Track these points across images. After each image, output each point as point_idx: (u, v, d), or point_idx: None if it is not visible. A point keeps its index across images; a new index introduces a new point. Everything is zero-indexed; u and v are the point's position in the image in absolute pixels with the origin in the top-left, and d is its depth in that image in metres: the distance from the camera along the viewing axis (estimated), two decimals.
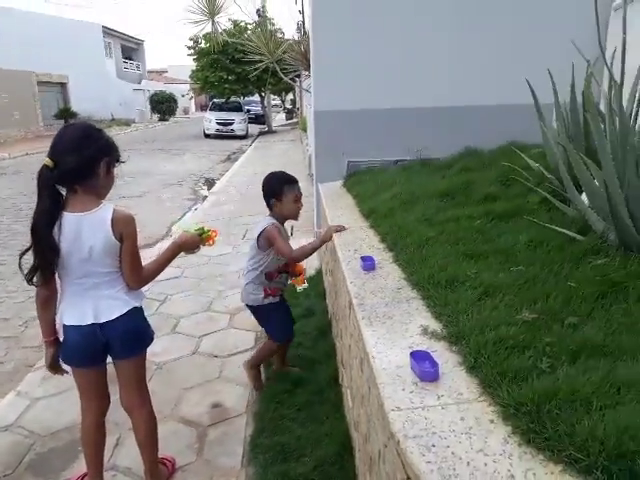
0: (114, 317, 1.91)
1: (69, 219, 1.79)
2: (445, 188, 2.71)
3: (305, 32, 14.39)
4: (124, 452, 2.50)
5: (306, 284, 2.94)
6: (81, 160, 1.76)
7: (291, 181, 2.72)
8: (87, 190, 1.81)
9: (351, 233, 2.60)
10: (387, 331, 1.53)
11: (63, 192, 1.83)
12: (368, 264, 2.04)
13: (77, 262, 1.84)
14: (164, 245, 6.10)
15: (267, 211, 2.79)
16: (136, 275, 1.92)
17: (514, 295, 1.59)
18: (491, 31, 4.50)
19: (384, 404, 1.21)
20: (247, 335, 3.73)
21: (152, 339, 2.12)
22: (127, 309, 1.93)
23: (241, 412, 2.81)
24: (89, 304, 1.91)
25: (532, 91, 2.58)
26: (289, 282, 2.92)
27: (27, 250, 1.82)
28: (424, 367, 1.29)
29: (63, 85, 25.97)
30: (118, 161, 1.92)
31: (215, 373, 3.22)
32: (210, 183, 11.38)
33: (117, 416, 2.77)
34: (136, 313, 1.98)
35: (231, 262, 5.42)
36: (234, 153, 17.59)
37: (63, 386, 3.10)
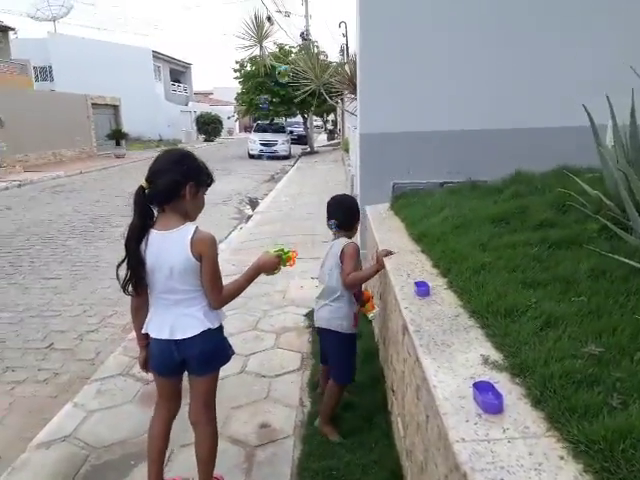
0: (188, 336, 1.98)
1: (154, 236, 1.92)
2: (498, 213, 2.67)
3: (348, 55, 14.57)
4: (175, 468, 2.55)
5: (377, 309, 2.81)
6: (168, 183, 1.89)
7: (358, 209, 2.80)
8: (174, 210, 1.93)
9: (402, 257, 2.60)
10: (447, 360, 1.52)
11: (155, 211, 1.97)
12: (422, 290, 2.03)
13: (161, 278, 1.96)
14: None
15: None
16: (215, 295, 1.97)
17: (578, 326, 1.56)
18: (539, 50, 4.46)
19: (448, 435, 1.20)
20: (293, 356, 3.75)
21: (229, 358, 2.17)
22: (202, 329, 1.98)
23: (289, 434, 2.82)
24: (168, 320, 2.01)
25: (589, 114, 2.54)
26: (358, 310, 2.74)
27: (122, 262, 1.97)
28: (488, 398, 1.28)
29: (115, 107, 27.17)
30: (208, 186, 2.03)
31: (263, 393, 3.25)
32: (254, 203, 11.60)
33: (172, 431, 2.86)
34: (212, 334, 2.01)
35: (277, 282, 5.47)
36: (277, 173, 17.89)
37: (118, 400, 3.21)
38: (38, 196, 12.41)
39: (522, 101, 4.55)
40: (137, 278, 1.96)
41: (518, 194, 3.04)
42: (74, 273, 6.19)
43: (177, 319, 1.99)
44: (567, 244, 2.21)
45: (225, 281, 2.04)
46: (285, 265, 2.14)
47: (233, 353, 2.20)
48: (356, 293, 2.70)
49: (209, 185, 2.05)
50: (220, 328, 2.08)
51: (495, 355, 1.52)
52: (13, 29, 27.26)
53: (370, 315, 2.78)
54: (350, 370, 2.74)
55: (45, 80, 33.02)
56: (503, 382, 1.38)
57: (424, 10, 4.62)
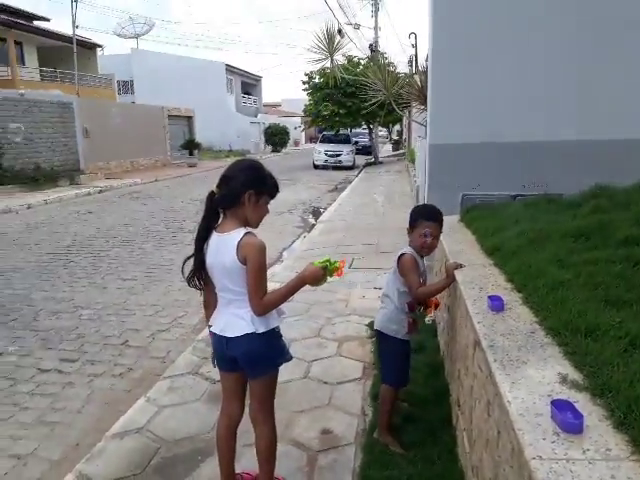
0: (234, 335, 2.07)
1: (214, 237, 2.07)
2: (578, 228, 2.55)
3: (417, 66, 14.49)
4: (240, 466, 2.60)
5: (433, 315, 2.81)
6: (230, 190, 2.02)
7: (425, 216, 2.71)
8: (234, 215, 2.05)
9: (474, 270, 2.54)
10: (522, 376, 1.48)
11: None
12: (496, 304, 1.98)
13: (218, 276, 2.08)
14: (279, 269, 6.40)
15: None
16: (256, 301, 2.00)
17: None
18: (629, 60, 4.23)
19: (524, 452, 1.17)
20: (355, 364, 3.75)
21: (276, 365, 2.20)
22: (248, 331, 2.04)
23: (350, 441, 2.82)
24: (223, 317, 2.13)
25: None
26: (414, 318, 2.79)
27: (189, 258, 2.16)
28: (567, 418, 1.23)
29: (189, 118, 28.46)
30: (271, 196, 2.10)
31: (325, 399, 3.27)
32: (318, 212, 11.74)
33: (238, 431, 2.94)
34: (258, 338, 2.05)
35: (338, 290, 5.52)
36: (341, 183, 18.01)
37: (187, 397, 3.35)
38: (117, 201, 13.21)
39: (601, 111, 4.33)
40: (198, 274, 2.13)
41: (599, 209, 2.89)
42: (148, 275, 6.52)
43: (229, 317, 2.10)
44: None
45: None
46: (332, 275, 2.11)
47: (286, 361, 2.21)
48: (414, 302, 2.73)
49: (272, 196, 2.11)
50: (269, 333, 2.08)
51: (574, 374, 1.46)
52: (100, 46, 29.40)
53: (427, 319, 2.77)
54: (399, 373, 2.78)
55: (127, 93, 35.24)
56: (583, 402, 1.32)
57: (499, 16, 4.52)
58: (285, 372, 3.57)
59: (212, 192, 2.06)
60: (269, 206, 2.14)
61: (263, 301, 2.00)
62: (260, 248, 1.98)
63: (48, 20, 27.23)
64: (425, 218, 2.70)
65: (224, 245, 2.01)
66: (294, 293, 2.10)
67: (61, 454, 2.94)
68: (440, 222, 2.72)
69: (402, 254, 2.65)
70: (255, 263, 1.96)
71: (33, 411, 3.37)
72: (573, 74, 4.37)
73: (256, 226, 2.10)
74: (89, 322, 4.90)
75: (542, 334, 1.74)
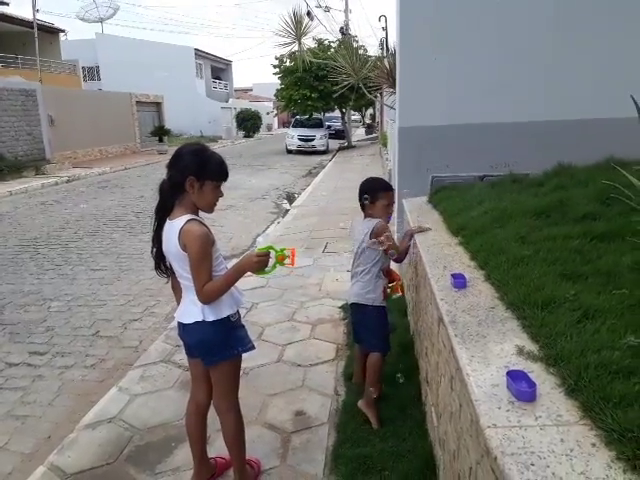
0: (187, 322, 2.08)
1: (166, 225, 2.06)
2: (539, 206, 2.62)
3: (388, 49, 14.47)
4: (213, 451, 2.63)
5: (400, 294, 2.97)
6: (173, 177, 2.01)
7: (387, 188, 2.88)
8: (181, 202, 2.03)
9: (440, 249, 2.59)
10: (481, 350, 1.53)
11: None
12: (459, 282, 2.02)
13: (172, 263, 2.10)
14: None
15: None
16: (197, 288, 1.96)
17: (617, 319, 1.53)
18: (590, 41, 4.31)
19: (480, 421, 1.21)
20: (328, 347, 3.80)
21: (234, 355, 2.15)
22: (198, 319, 2.03)
23: (324, 421, 2.87)
24: (182, 302, 2.15)
25: (637, 106, 2.45)
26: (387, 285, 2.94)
27: (152, 246, 2.18)
28: (521, 387, 1.28)
29: (158, 104, 27.84)
30: (217, 181, 2.02)
31: (298, 382, 3.31)
32: (292, 197, 11.71)
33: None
34: (208, 326, 2.03)
35: (312, 274, 5.55)
36: (315, 168, 17.97)
37: (159, 385, 3.34)
38: (85, 191, 12.91)
39: (567, 92, 4.41)
40: (158, 260, 2.16)
41: (560, 187, 2.97)
42: (119, 265, 6.43)
43: (185, 304, 2.11)
44: (610, 237, 2.16)
45: None
46: (283, 264, 2.04)
47: (245, 351, 2.18)
48: (386, 269, 2.89)
49: (217, 180, 2.03)
50: (221, 322, 2.05)
51: (530, 346, 1.51)
52: (63, 31, 28.41)
53: (394, 296, 2.92)
54: (385, 339, 2.89)
55: (93, 79, 34.23)
56: (537, 372, 1.37)
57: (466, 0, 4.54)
58: (259, 356, 3.63)
59: (164, 180, 2.05)
60: (223, 190, 2.09)
61: (204, 289, 1.95)
62: (198, 236, 1.93)
63: (7, 4, 26.14)
64: (384, 189, 2.85)
65: (172, 232, 1.99)
66: (234, 281, 2.03)
67: (33, 447, 2.92)
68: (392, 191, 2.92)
69: (373, 228, 2.75)
70: (193, 252, 1.93)
71: (2, 405, 3.32)
72: (538, 57, 4.43)
73: (209, 211, 2.08)
74: (58, 314, 4.82)
75: (502, 309, 1.79)
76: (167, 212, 2.05)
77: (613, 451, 1.05)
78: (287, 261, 2.05)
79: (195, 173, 1.97)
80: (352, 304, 2.92)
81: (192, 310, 2.05)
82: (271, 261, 2.03)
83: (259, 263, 1.98)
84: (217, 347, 2.10)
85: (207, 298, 1.99)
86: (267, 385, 3.27)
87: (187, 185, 1.97)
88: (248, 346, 2.19)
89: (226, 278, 2.01)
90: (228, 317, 2.08)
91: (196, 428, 2.32)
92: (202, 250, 1.94)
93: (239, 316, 2.19)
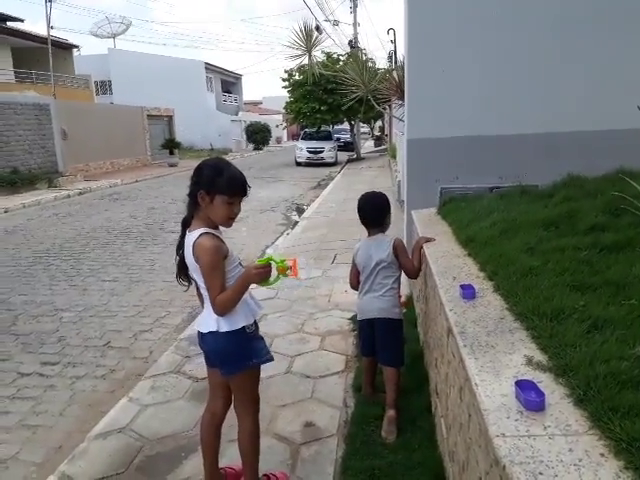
0: (203, 331, 2.12)
1: (186, 236, 2.09)
2: (548, 217, 2.62)
3: (397, 62, 14.54)
4: (223, 462, 2.63)
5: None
6: (189, 191, 2.06)
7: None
8: (197, 215, 2.07)
9: (449, 261, 2.60)
10: (490, 360, 1.53)
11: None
12: (468, 292, 2.03)
13: (192, 273, 2.12)
14: None
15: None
16: (210, 300, 2.01)
17: (626, 329, 1.53)
18: (593, 52, 4.33)
19: (488, 430, 1.22)
20: (338, 358, 3.80)
21: (250, 366, 2.16)
22: (212, 329, 2.07)
23: (333, 433, 2.86)
24: (203, 312, 2.18)
25: None
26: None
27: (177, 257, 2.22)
28: (530, 396, 1.28)
29: (169, 118, 28.18)
30: (228, 195, 2.00)
31: (307, 393, 3.31)
32: (301, 209, 11.76)
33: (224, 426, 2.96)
34: (223, 337, 2.06)
35: (321, 285, 5.56)
36: (323, 180, 18.05)
37: (170, 396, 3.36)
38: (97, 203, 13.07)
39: (574, 104, 4.43)
40: (180, 269, 2.19)
41: (569, 198, 2.97)
42: (130, 276, 6.48)
43: (203, 313, 2.17)
44: (619, 248, 2.16)
45: None
46: (286, 275, 2.04)
47: (262, 362, 2.20)
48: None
49: (229, 195, 2.00)
50: (235, 332, 2.07)
51: (539, 356, 1.52)
52: (77, 47, 28.97)
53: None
54: (403, 352, 2.99)
55: (105, 94, 34.77)
56: (546, 382, 1.38)
57: (473, 12, 4.59)
58: (268, 367, 3.57)
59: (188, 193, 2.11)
60: (242, 204, 2.10)
61: (217, 300, 1.99)
62: (208, 249, 1.95)
63: (22, 21, 26.69)
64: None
65: (188, 244, 2.04)
66: (242, 292, 2.03)
67: (44, 457, 2.94)
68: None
69: (395, 237, 2.91)
70: (204, 264, 1.96)
71: (14, 415, 3.35)
72: (543, 71, 4.46)
73: (225, 225, 2.09)
74: (70, 324, 4.87)
75: (511, 319, 1.80)
76: (188, 224, 2.10)
77: (622, 461, 1.05)
78: (289, 272, 2.04)
79: (205, 187, 2.00)
80: (376, 319, 2.91)
81: (208, 320, 2.09)
82: (274, 272, 2.03)
83: (258, 275, 1.98)
84: (232, 357, 2.13)
85: (221, 309, 2.01)
86: (276, 396, 3.27)
87: (199, 198, 2.01)
88: (265, 357, 2.20)
89: (234, 289, 2.02)
90: (243, 328, 2.09)
91: (209, 437, 2.33)
92: (211, 263, 1.96)
93: (256, 327, 2.20)
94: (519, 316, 1.80)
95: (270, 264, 2.00)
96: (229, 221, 2.08)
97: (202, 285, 2.07)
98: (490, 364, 1.52)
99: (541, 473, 1.04)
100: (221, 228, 2.13)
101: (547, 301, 1.78)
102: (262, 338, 2.24)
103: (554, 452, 1.10)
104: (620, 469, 1.03)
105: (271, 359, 2.24)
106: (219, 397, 2.31)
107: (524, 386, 1.32)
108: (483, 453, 1.34)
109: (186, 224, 2.12)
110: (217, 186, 2.00)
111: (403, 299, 3.11)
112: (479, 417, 1.35)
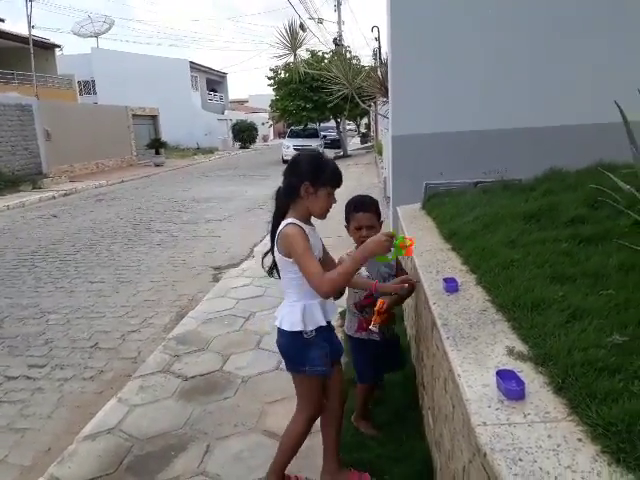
0: (278, 326, 2.15)
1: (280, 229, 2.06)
2: (529, 210, 2.67)
3: (381, 59, 14.58)
4: (213, 459, 2.66)
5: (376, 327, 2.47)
6: (288, 183, 2.07)
7: (355, 208, 2.59)
8: (294, 207, 2.08)
9: (432, 255, 2.63)
10: (472, 351, 1.56)
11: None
12: (451, 286, 2.06)
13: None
14: (250, 265, 6.39)
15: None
16: (313, 284, 1.92)
17: (604, 318, 1.57)
18: (572, 48, 4.41)
19: (470, 420, 1.24)
20: None
21: (302, 372, 2.14)
22: (277, 324, 2.14)
23: None
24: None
25: (621, 111, 2.51)
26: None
27: (268, 252, 2.22)
28: (510, 386, 1.31)
29: (154, 117, 27.99)
30: (332, 187, 2.07)
31: None
32: None
33: (205, 425, 2.97)
34: (282, 335, 2.13)
35: None
36: None
37: (158, 395, 3.36)
38: (83, 204, 12.95)
39: (557, 99, 4.50)
40: (273, 264, 2.18)
41: (550, 191, 3.02)
42: (117, 277, 6.44)
43: (282, 307, 2.18)
44: (598, 239, 2.20)
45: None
46: (401, 254, 1.99)
47: (313, 372, 2.12)
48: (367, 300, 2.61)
49: (332, 186, 2.07)
50: (293, 335, 2.07)
51: (520, 346, 1.55)
52: (59, 46, 28.57)
53: (371, 326, 2.47)
54: (362, 373, 2.77)
55: (89, 94, 34.39)
56: (527, 371, 1.41)
57: (455, 10, 4.64)
58: (257, 364, 3.67)
59: (279, 187, 2.12)
60: (335, 195, 2.13)
61: (323, 280, 1.89)
62: (290, 234, 1.97)
63: (2, 21, 26.34)
64: (355, 210, 2.55)
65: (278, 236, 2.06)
66: (360, 264, 1.97)
67: (32, 459, 2.92)
68: (374, 211, 2.55)
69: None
70: (295, 250, 1.95)
71: (2, 418, 3.32)
72: (525, 66, 4.54)
73: (321, 217, 2.11)
74: (57, 327, 4.84)
75: (493, 311, 1.83)
76: (282, 218, 2.09)
77: (598, 445, 1.08)
78: (403, 251, 1.97)
79: (311, 179, 2.02)
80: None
81: (279, 314, 2.14)
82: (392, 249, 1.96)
83: (380, 245, 1.88)
84: (288, 357, 2.19)
85: (331, 288, 1.91)
86: (266, 392, 3.29)
87: (302, 190, 2.02)
88: (317, 368, 2.12)
89: (352, 261, 1.92)
90: (300, 332, 2.07)
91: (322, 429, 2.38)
92: (300, 244, 1.94)
93: (316, 335, 2.10)
94: (501, 308, 1.83)
95: (394, 236, 1.93)
96: (326, 213, 2.12)
97: (284, 278, 2.09)
98: (472, 355, 1.55)
99: (521, 459, 1.07)
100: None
101: (528, 292, 1.82)
102: (323, 347, 2.13)
103: (533, 439, 1.13)
104: (597, 453, 1.06)
105: (322, 372, 2.14)
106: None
107: (505, 376, 1.35)
108: (466, 442, 1.37)
109: (278, 218, 2.11)
110: (323, 177, 2.03)
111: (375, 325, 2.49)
112: (462, 407, 1.38)
